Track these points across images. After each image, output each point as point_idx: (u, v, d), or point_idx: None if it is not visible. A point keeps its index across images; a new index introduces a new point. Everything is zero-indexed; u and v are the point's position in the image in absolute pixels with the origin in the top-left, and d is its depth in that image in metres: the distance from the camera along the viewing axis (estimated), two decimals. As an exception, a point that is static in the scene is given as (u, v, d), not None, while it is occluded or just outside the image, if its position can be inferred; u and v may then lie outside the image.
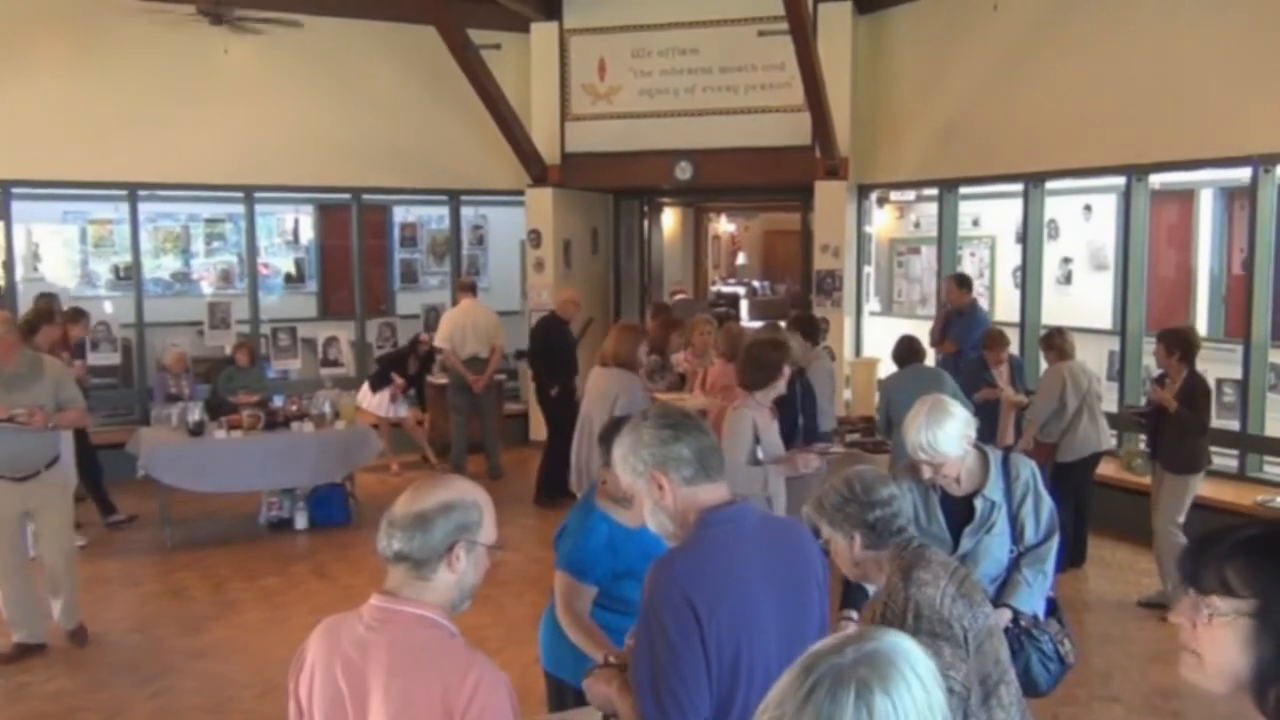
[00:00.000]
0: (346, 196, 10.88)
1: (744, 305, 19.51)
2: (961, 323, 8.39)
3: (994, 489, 3.34)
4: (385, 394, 9.53)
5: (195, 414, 7.77)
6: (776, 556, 2.26)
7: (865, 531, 2.67)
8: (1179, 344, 6.18)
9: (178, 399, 8.73)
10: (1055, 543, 3.44)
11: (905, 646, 1.27)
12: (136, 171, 9.76)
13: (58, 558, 5.65)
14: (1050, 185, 8.88)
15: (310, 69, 10.22)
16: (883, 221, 10.87)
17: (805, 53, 8.71)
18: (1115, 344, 8.38)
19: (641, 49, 10.51)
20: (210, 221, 11.01)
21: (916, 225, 10.78)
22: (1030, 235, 8.94)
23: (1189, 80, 7.45)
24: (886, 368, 8.20)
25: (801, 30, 8.54)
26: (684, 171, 10.53)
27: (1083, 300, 9.12)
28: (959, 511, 3.37)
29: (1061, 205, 9.23)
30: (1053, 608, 3.46)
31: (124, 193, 9.98)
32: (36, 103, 9.30)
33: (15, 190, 9.58)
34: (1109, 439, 7.43)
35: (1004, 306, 9.54)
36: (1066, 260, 9.42)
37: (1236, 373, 7.46)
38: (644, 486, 2.26)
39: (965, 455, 3.29)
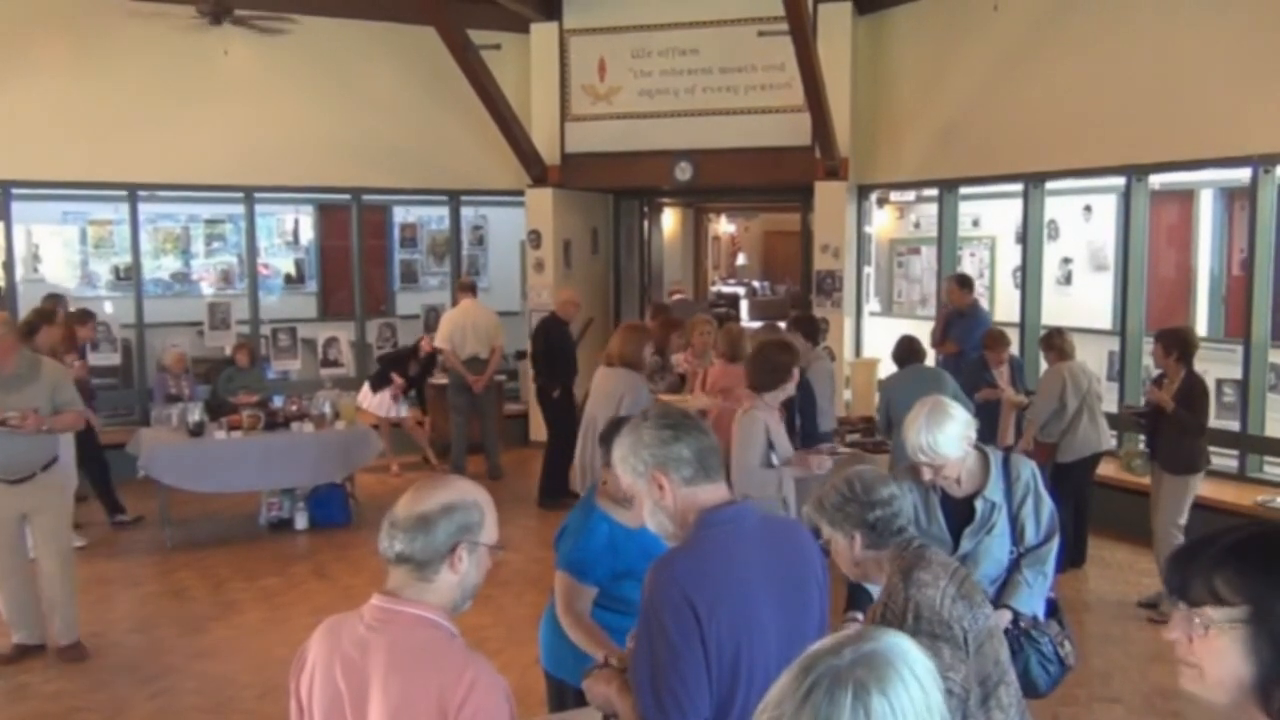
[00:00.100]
0: (346, 197, 10.88)
1: (744, 306, 19.51)
2: (963, 323, 8.39)
3: (994, 490, 3.34)
4: (386, 394, 9.53)
5: (195, 414, 7.77)
6: (776, 556, 2.26)
7: (865, 531, 2.67)
8: (1177, 344, 6.18)
9: (178, 399, 8.73)
10: (1055, 544, 3.43)
11: (903, 647, 1.27)
12: (136, 172, 9.77)
13: (52, 560, 5.61)
14: (1050, 185, 8.88)
15: (310, 69, 10.22)
16: (883, 222, 10.87)
17: (805, 53, 8.71)
18: (1115, 344, 8.38)
19: (641, 49, 10.51)
20: (210, 222, 11.02)
21: (916, 225, 10.78)
22: (1030, 235, 8.94)
23: (1189, 80, 7.45)
24: (886, 368, 8.20)
25: (801, 30, 8.54)
26: (684, 172, 10.53)
27: (1083, 300, 9.12)
28: (959, 512, 3.37)
29: (1061, 205, 9.23)
30: (1053, 609, 3.46)
31: (124, 193, 9.98)
32: (36, 103, 9.31)
33: (15, 191, 9.58)
34: (1109, 439, 7.44)
35: (1004, 307, 9.53)
36: (1066, 260, 9.42)
37: (1236, 373, 7.46)
38: (644, 487, 2.26)
39: (965, 456, 3.29)
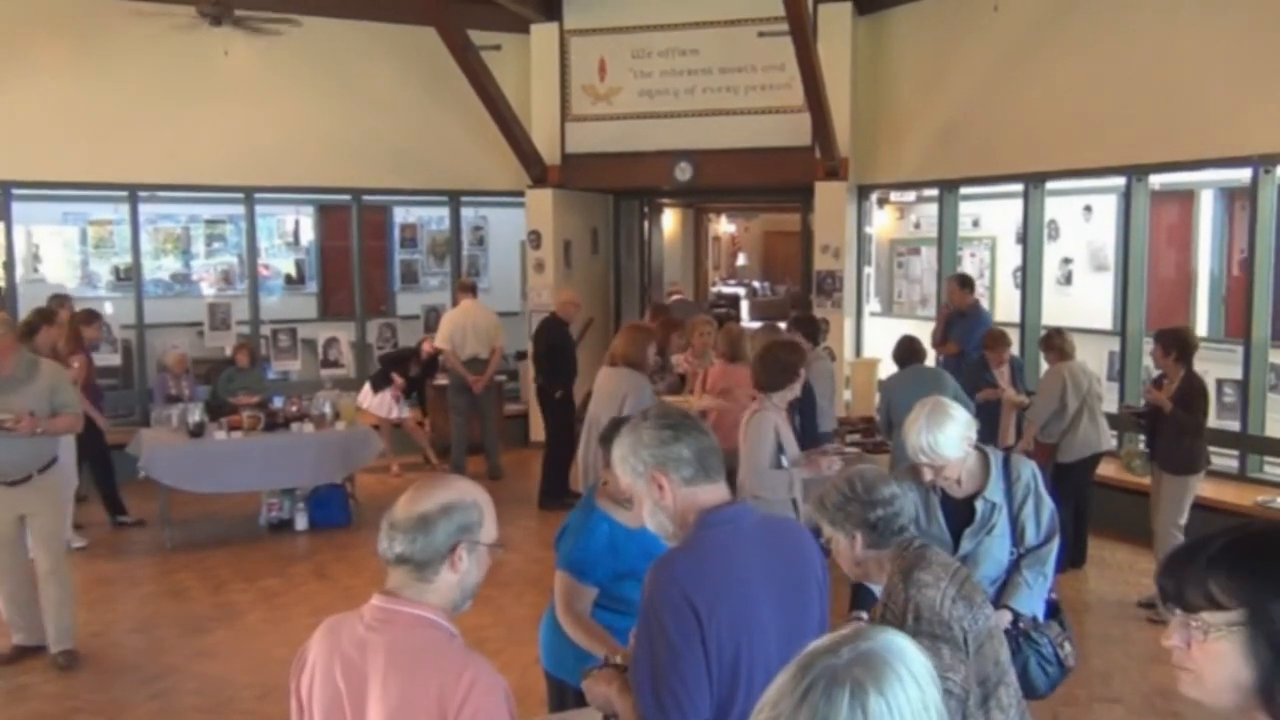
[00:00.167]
0: (346, 197, 10.88)
1: (744, 306, 19.52)
2: (964, 324, 8.39)
3: (995, 490, 3.34)
4: (387, 395, 9.53)
5: (195, 415, 7.77)
6: (776, 556, 2.26)
7: (867, 531, 2.67)
8: (1175, 344, 6.17)
9: (178, 400, 8.73)
10: (1055, 545, 3.43)
11: (900, 646, 1.26)
12: (136, 172, 9.77)
13: (46, 563, 5.56)
14: (1050, 186, 8.88)
15: (310, 70, 10.22)
16: (883, 222, 10.87)
17: (805, 53, 8.71)
18: (1115, 344, 8.38)
19: (642, 50, 10.51)
20: (210, 222, 11.01)
21: (917, 226, 10.78)
22: (1030, 236, 8.94)
23: (1189, 80, 7.45)
24: (887, 368, 8.20)
25: (801, 31, 8.54)
26: (684, 172, 10.53)
27: (1083, 301, 9.12)
28: (959, 513, 3.36)
29: (1061, 206, 9.23)
30: (1054, 610, 3.45)
31: (124, 194, 9.98)
32: (36, 103, 9.31)
33: (15, 191, 9.58)
34: (1109, 439, 7.43)
35: (1004, 307, 9.53)
36: (1067, 261, 9.41)
37: (1237, 373, 7.45)
38: (644, 487, 2.26)
39: (966, 457, 3.28)
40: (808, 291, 10.64)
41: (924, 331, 8.11)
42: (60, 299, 8.60)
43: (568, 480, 8.56)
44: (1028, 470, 3.44)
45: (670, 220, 16.10)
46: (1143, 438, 7.22)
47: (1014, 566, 3.38)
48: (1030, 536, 3.39)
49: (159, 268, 10.79)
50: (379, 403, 9.50)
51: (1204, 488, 6.46)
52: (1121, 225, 8.47)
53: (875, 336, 10.29)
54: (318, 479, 8.06)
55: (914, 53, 9.74)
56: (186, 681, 5.39)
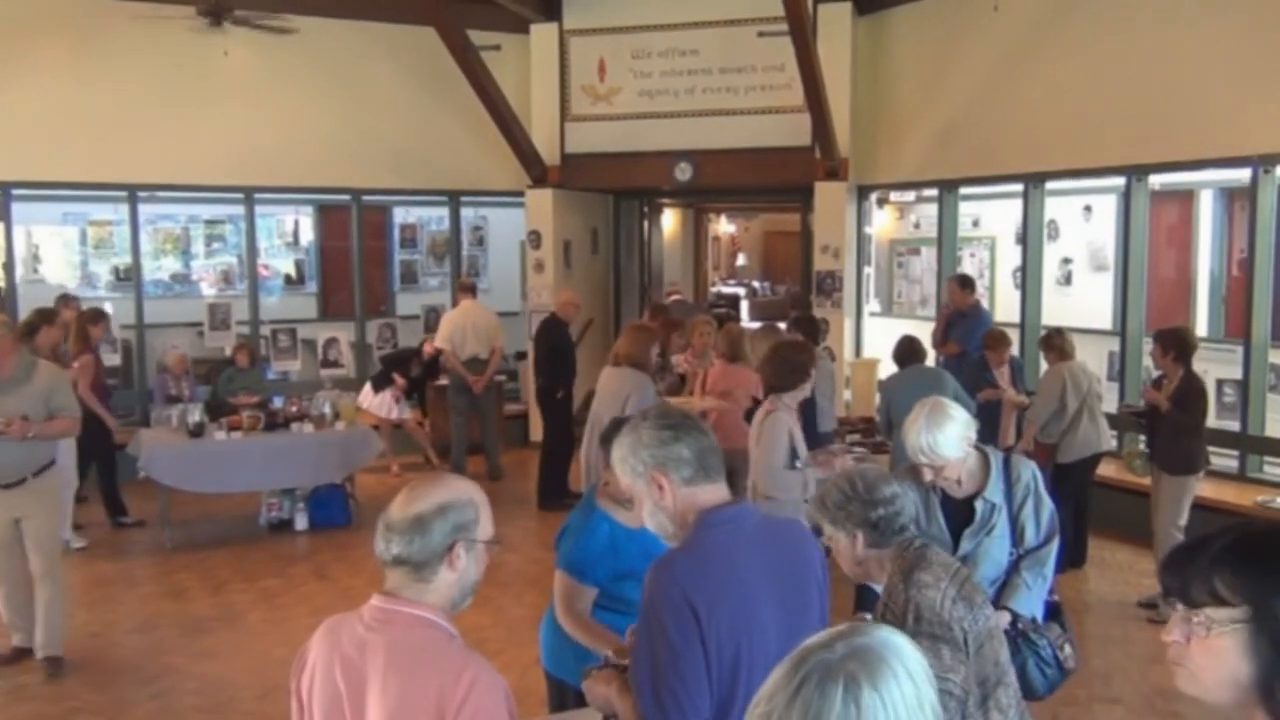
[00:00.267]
0: (346, 197, 10.88)
1: (744, 306, 19.53)
2: (965, 324, 8.38)
3: (994, 491, 3.33)
4: (387, 395, 9.53)
5: (195, 415, 7.77)
6: (777, 556, 2.26)
7: (867, 530, 2.67)
8: (1175, 344, 6.16)
9: (178, 400, 8.73)
10: (1055, 546, 3.43)
11: (896, 642, 1.26)
12: (136, 173, 9.77)
13: (39, 566, 5.49)
14: (1050, 186, 8.88)
15: (310, 70, 10.22)
16: (883, 222, 10.86)
17: (805, 53, 8.71)
18: (1115, 344, 8.38)
19: (641, 50, 10.51)
20: (210, 223, 11.01)
21: (916, 226, 10.78)
22: (1030, 236, 8.94)
23: (1189, 80, 7.45)
24: (887, 368, 8.20)
25: (801, 31, 8.54)
26: (684, 172, 10.53)
27: (1083, 301, 9.11)
28: (959, 513, 3.36)
29: (1061, 206, 9.23)
30: (1055, 612, 3.45)
31: (124, 194, 9.98)
32: (36, 103, 9.30)
33: (15, 191, 9.58)
34: (1109, 440, 7.43)
35: (1004, 307, 9.53)
36: (1066, 261, 9.41)
37: (1236, 373, 7.45)
38: (643, 487, 2.25)
39: (966, 457, 3.28)
40: (808, 292, 10.63)
41: (924, 332, 8.11)
42: (66, 299, 8.62)
43: (567, 481, 8.56)
44: (1028, 471, 3.43)
45: (670, 220, 16.10)
46: (1143, 438, 7.22)
47: (1013, 567, 3.38)
48: (1030, 537, 3.39)
49: (159, 268, 10.79)
50: (379, 403, 9.50)
51: (1204, 488, 6.46)
52: (1121, 225, 8.47)
53: (875, 337, 10.29)
54: (318, 479, 8.06)
55: (914, 53, 9.74)
56: (186, 682, 5.39)
